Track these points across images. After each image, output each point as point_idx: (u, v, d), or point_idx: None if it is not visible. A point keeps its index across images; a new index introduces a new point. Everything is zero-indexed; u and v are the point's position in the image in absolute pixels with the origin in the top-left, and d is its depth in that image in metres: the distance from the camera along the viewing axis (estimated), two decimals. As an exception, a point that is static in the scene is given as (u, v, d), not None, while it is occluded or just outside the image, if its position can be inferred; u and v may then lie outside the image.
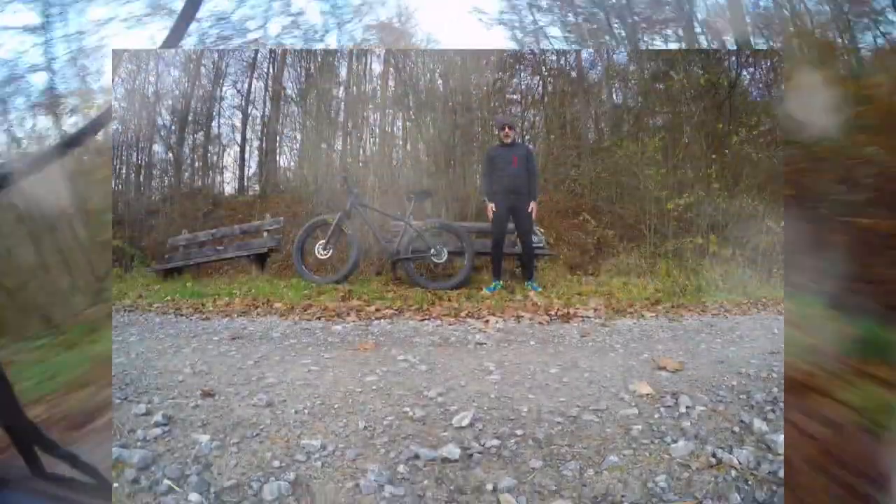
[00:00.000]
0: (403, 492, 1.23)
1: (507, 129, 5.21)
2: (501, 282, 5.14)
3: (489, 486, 1.26)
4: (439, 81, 9.67)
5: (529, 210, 5.07)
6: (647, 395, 1.93)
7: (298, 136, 11.74)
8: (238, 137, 12.44)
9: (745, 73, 9.32)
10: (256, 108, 12.29)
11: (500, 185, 5.05)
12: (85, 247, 4.13)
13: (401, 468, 1.35)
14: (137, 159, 11.37)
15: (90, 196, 4.17)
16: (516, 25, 9.16)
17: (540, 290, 4.97)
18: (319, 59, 10.69)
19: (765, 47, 7.47)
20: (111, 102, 10.07)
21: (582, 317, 3.80)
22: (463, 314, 3.83)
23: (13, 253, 3.89)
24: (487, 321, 3.58)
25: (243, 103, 12.24)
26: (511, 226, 5.18)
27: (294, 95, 11.47)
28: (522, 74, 11.56)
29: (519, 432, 1.58)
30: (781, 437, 1.51)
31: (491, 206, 5.06)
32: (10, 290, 3.70)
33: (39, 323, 3.59)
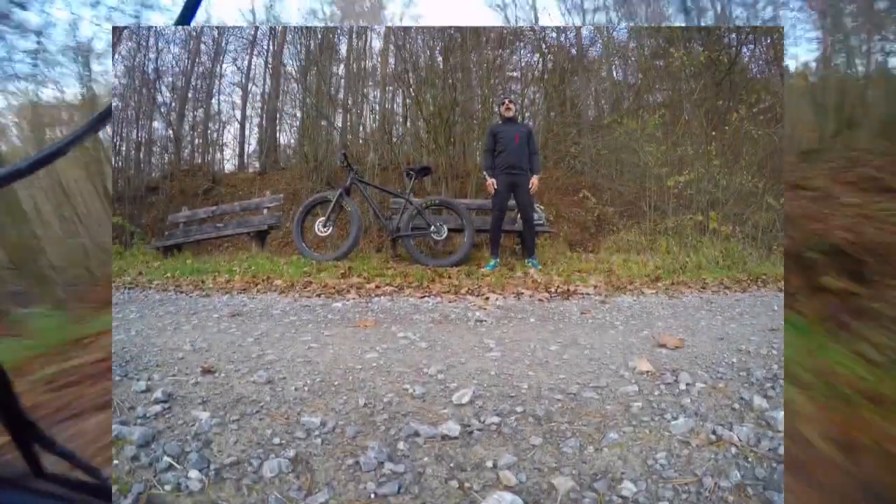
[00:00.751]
0: (403, 469, 1.23)
1: (507, 103, 5.22)
2: (499, 259, 5.14)
3: (489, 464, 1.26)
4: (439, 58, 9.62)
5: (531, 185, 5.07)
6: (647, 372, 1.93)
7: (298, 114, 11.81)
8: (238, 114, 12.62)
9: (745, 49, 9.31)
10: (256, 86, 12.44)
11: (502, 162, 5.06)
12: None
13: (401, 445, 1.35)
14: (137, 136, 11.43)
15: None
16: (516, 1, 9.08)
17: (540, 267, 4.98)
18: (319, 36, 10.59)
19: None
20: (111, 102, 10.07)
21: (582, 294, 3.80)
22: (463, 291, 3.83)
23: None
24: (487, 298, 3.58)
25: (243, 80, 12.32)
26: (511, 203, 5.18)
27: (294, 72, 11.42)
28: (522, 51, 11.55)
29: (519, 409, 1.58)
30: (781, 414, 1.51)
31: (492, 182, 5.04)
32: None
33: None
